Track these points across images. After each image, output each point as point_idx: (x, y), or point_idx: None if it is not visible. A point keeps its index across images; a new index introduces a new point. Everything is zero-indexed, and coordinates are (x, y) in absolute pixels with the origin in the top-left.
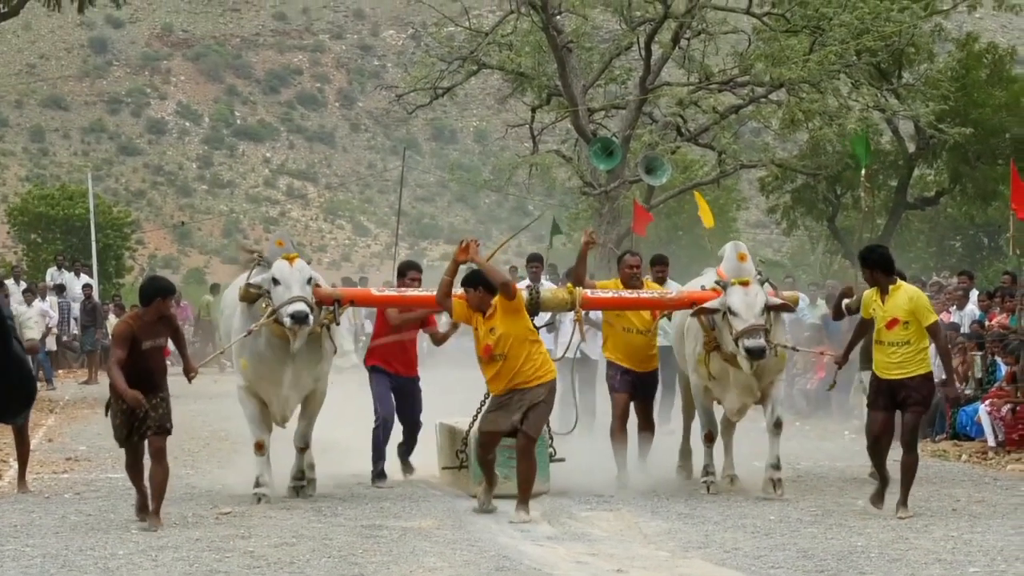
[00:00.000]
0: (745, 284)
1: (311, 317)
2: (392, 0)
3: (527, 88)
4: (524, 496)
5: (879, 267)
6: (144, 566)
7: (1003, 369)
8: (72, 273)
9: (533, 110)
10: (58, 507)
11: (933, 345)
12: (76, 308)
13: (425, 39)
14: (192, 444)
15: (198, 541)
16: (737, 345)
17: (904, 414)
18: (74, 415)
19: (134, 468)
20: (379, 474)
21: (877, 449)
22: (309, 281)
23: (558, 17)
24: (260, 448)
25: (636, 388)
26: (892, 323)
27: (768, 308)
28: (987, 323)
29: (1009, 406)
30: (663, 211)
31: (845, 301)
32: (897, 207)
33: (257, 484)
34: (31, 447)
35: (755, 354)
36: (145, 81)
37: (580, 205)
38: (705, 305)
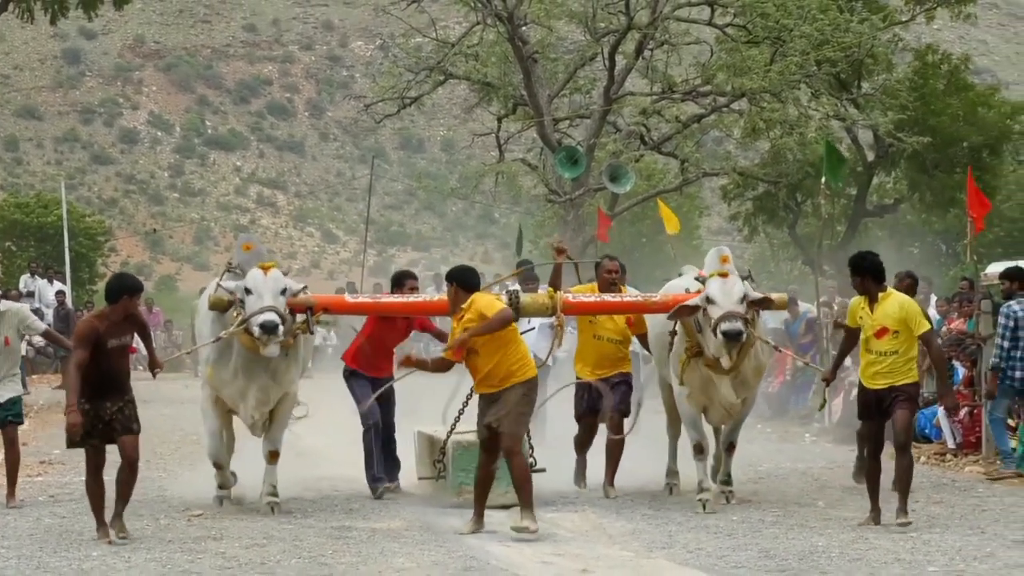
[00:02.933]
0: (724, 275)
1: (281, 328)
2: (360, 12)
3: (493, 98)
4: (526, 501)
5: (870, 274)
6: (117, 567)
7: (961, 373)
8: (45, 280)
9: (499, 119)
10: (32, 510)
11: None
12: (49, 314)
13: (393, 50)
14: (163, 448)
15: (170, 543)
16: (715, 334)
17: (893, 414)
18: (48, 419)
19: (95, 483)
20: (376, 479)
21: (873, 468)
22: (283, 292)
23: (524, 28)
24: (219, 467)
25: (600, 397)
26: (881, 332)
27: (750, 303)
28: (945, 328)
29: (967, 409)
30: (627, 218)
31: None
32: (856, 215)
33: (221, 487)
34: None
35: (731, 336)
36: (117, 91)
37: (546, 213)
38: (686, 303)
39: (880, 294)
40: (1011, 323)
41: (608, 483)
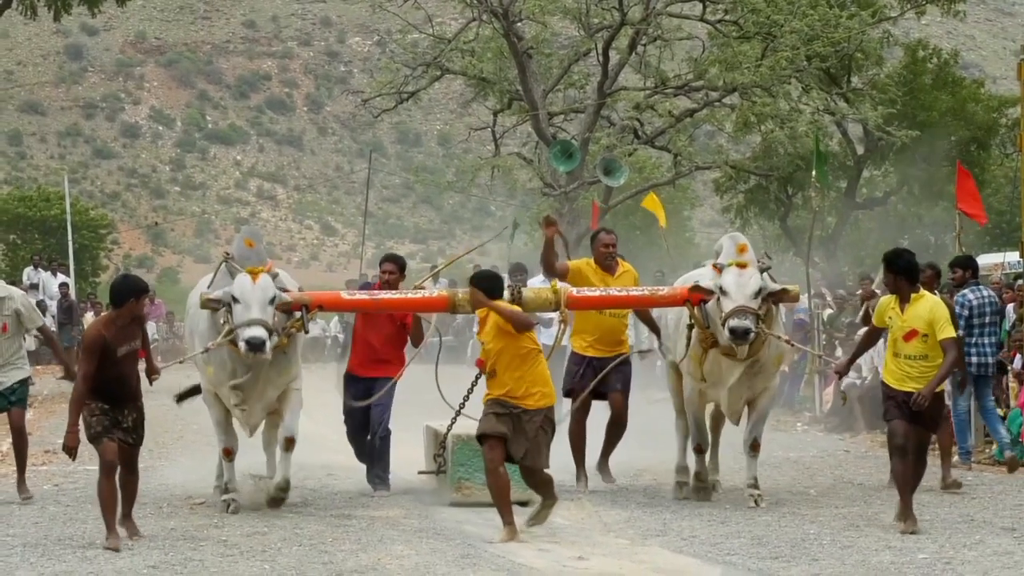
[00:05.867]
0: (742, 266)
1: (268, 345)
2: (358, 8)
3: (489, 93)
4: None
5: (904, 274)
6: (121, 555)
7: None
8: (49, 272)
9: (495, 114)
10: (37, 498)
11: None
12: (53, 306)
13: (390, 46)
14: (165, 437)
15: (173, 530)
16: (724, 327)
17: (915, 428)
18: (52, 409)
19: (108, 486)
20: (378, 479)
21: (904, 467)
22: (272, 301)
23: (518, 24)
24: (229, 455)
25: (596, 375)
26: (911, 335)
27: (765, 296)
28: None
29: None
30: (620, 211)
31: (869, 304)
32: (846, 207)
33: (225, 490)
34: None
35: (738, 334)
36: (119, 87)
37: (541, 206)
38: (700, 285)
39: (913, 295)
40: (965, 312)
41: (603, 461)
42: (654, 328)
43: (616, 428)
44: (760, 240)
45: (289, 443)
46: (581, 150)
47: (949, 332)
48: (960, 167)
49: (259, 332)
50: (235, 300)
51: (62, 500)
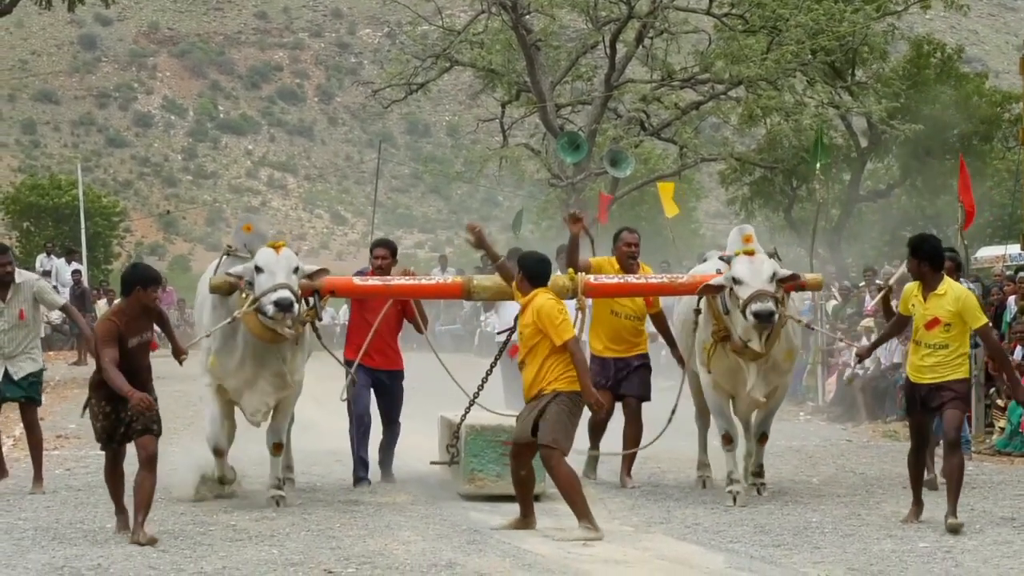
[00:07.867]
0: (750, 253)
1: (296, 307)
2: (368, 0)
3: (497, 84)
4: (578, 510)
5: (928, 260)
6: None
7: None
8: (62, 259)
9: (503, 105)
10: (49, 482)
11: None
12: (66, 293)
13: (400, 37)
14: (175, 423)
15: (182, 515)
16: (745, 315)
17: (943, 412)
18: (64, 395)
19: (113, 474)
20: (359, 479)
21: (918, 460)
22: (296, 271)
23: (527, 16)
24: (219, 454)
25: (619, 379)
26: (932, 323)
27: (779, 280)
28: None
29: None
30: (626, 202)
31: (892, 301)
32: (850, 200)
33: (220, 482)
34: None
35: (762, 317)
36: (132, 76)
37: (548, 196)
38: (711, 282)
39: (939, 284)
40: None
41: (625, 473)
42: (669, 339)
43: (631, 435)
44: (765, 232)
45: (277, 448)
46: (588, 141)
47: (982, 319)
48: (963, 168)
49: (287, 294)
50: (259, 270)
51: (73, 484)
